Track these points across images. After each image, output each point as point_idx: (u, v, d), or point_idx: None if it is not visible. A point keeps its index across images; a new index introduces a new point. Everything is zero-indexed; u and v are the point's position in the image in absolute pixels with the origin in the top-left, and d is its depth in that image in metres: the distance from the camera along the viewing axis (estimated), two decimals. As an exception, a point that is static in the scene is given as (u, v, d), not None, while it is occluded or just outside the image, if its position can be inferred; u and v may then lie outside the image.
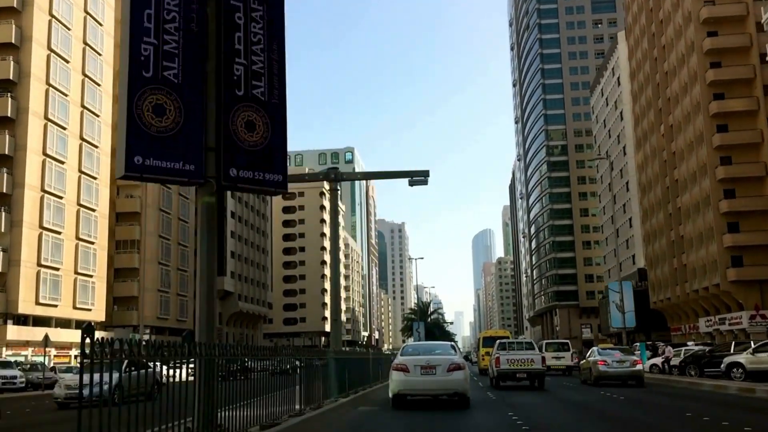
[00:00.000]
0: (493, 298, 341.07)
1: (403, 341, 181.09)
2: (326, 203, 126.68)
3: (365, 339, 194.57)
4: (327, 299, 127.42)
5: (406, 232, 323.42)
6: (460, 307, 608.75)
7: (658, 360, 31.50)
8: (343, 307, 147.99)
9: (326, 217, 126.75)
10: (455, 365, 15.03)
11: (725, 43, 55.24)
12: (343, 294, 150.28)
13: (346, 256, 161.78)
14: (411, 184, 21.12)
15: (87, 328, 5.02)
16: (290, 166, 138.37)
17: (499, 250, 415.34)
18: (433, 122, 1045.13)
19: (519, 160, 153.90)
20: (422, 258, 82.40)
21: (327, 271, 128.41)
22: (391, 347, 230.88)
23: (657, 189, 70.09)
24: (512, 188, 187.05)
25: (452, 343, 19.78)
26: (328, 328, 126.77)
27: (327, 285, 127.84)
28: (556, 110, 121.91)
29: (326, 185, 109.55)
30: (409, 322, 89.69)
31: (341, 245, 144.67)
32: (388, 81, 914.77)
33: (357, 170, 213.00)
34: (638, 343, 41.34)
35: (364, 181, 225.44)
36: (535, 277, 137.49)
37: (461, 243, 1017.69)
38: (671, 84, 63.47)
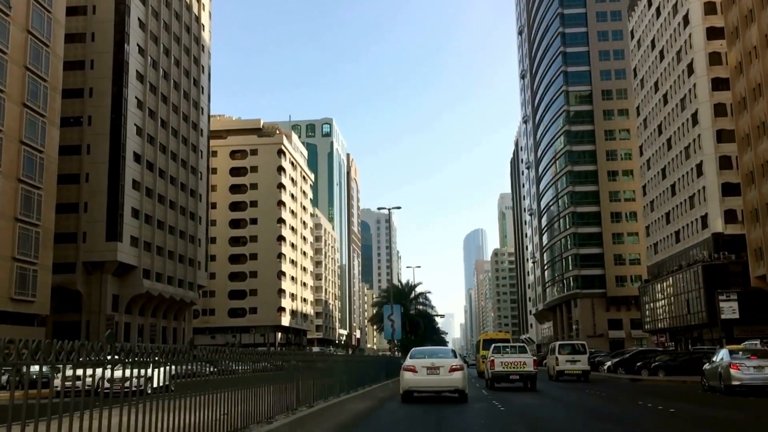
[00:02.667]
0: (486, 297, 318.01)
1: (388, 341, 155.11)
2: (286, 164, 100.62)
3: (343, 338, 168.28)
4: (285, 284, 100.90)
5: (394, 223, 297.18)
6: (450, 309, 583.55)
7: None
8: (311, 297, 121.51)
9: (285, 181, 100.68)
10: (456, 367, 17.87)
11: None
12: (311, 281, 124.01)
13: (317, 239, 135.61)
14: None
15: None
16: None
17: (491, 251, 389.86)
18: (432, 129, 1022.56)
19: (525, 122, 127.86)
20: (400, 207, 52.75)
21: (286, 249, 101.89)
22: (375, 348, 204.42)
23: (773, 95, 44.07)
24: (514, 162, 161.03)
25: (452, 348, 25.04)
26: (285, 321, 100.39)
27: (285, 266, 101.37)
28: (578, 47, 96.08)
29: (286, 142, 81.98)
30: (379, 308, 63.68)
31: (308, 220, 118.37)
32: (386, 89, 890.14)
33: (336, 145, 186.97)
34: None
35: (345, 159, 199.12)
36: (545, 262, 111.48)
37: (451, 246, 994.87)
38: None
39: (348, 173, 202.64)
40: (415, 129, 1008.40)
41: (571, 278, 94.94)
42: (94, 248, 60.49)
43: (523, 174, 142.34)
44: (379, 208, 47.44)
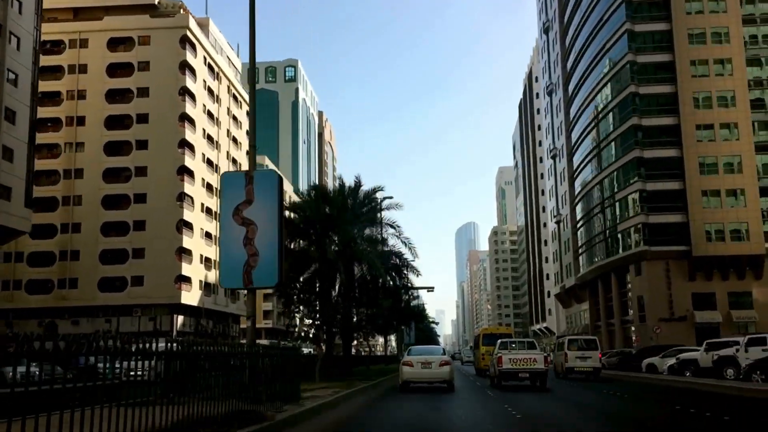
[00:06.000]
0: (481, 289, 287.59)
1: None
2: (195, 62, 66.68)
3: (311, 331, 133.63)
4: (190, 242, 66.52)
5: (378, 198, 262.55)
6: (441, 305, 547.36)
7: None
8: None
9: (195, 87, 66.74)
10: (445, 362, 21.50)
11: None
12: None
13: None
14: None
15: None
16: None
17: (483, 244, 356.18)
18: (418, 113, 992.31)
19: (546, 31, 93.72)
20: None
21: (193, 190, 67.60)
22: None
23: None
24: (524, 105, 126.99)
25: (443, 347, 32.93)
26: (190, 298, 66.08)
27: (191, 215, 67.14)
28: None
29: (195, 27, 46.66)
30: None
31: (242, 160, 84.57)
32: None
33: (303, 94, 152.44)
34: None
35: (315, 116, 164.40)
36: (579, 217, 77.63)
37: (442, 242, 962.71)
38: None
39: (320, 135, 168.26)
40: (403, 126, 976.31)
41: (629, 231, 61.12)
42: None
43: (538, 113, 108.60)
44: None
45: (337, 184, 31.76)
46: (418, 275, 29.71)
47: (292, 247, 26.04)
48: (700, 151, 58.25)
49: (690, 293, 57.65)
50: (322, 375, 21.97)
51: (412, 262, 30.43)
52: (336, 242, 26.14)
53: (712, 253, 57.10)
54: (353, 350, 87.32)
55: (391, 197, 30.21)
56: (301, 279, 26.62)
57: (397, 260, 28.90)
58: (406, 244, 28.69)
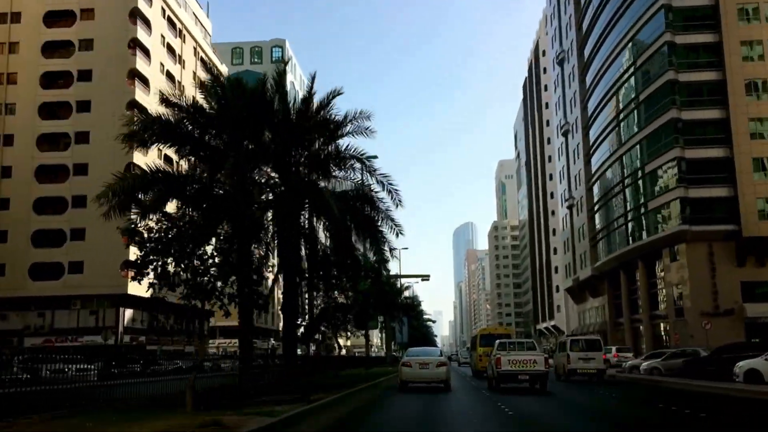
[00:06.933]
0: (479, 289, 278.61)
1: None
2: (151, 12, 56.75)
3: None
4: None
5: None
6: (439, 306, 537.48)
7: None
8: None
9: (149, 41, 56.51)
10: (441, 363, 22.36)
11: None
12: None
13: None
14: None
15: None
16: None
17: (482, 245, 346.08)
18: (418, 120, 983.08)
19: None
20: None
21: (142, 159, 57.34)
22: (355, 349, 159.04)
23: None
24: (529, 84, 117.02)
25: (440, 348, 34.24)
26: (138, 289, 55.20)
27: (142, 190, 56.32)
28: None
29: None
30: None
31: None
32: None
33: (291, 77, 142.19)
34: None
35: (299, 90, 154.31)
36: (597, 199, 67.66)
37: (439, 243, 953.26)
38: None
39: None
40: (401, 127, 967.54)
41: (663, 209, 51.20)
42: None
43: (545, 90, 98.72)
44: None
45: (271, 82, 21.66)
46: (398, 234, 19.47)
47: (177, 171, 16.32)
48: (751, 112, 48.35)
49: (738, 282, 47.79)
50: (218, 397, 11.81)
51: (391, 214, 19.89)
52: (262, 169, 16.45)
53: (765, 234, 47.20)
54: (342, 351, 76.49)
55: (340, 92, 20.12)
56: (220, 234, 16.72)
57: (368, 207, 18.87)
58: (383, 186, 18.65)
